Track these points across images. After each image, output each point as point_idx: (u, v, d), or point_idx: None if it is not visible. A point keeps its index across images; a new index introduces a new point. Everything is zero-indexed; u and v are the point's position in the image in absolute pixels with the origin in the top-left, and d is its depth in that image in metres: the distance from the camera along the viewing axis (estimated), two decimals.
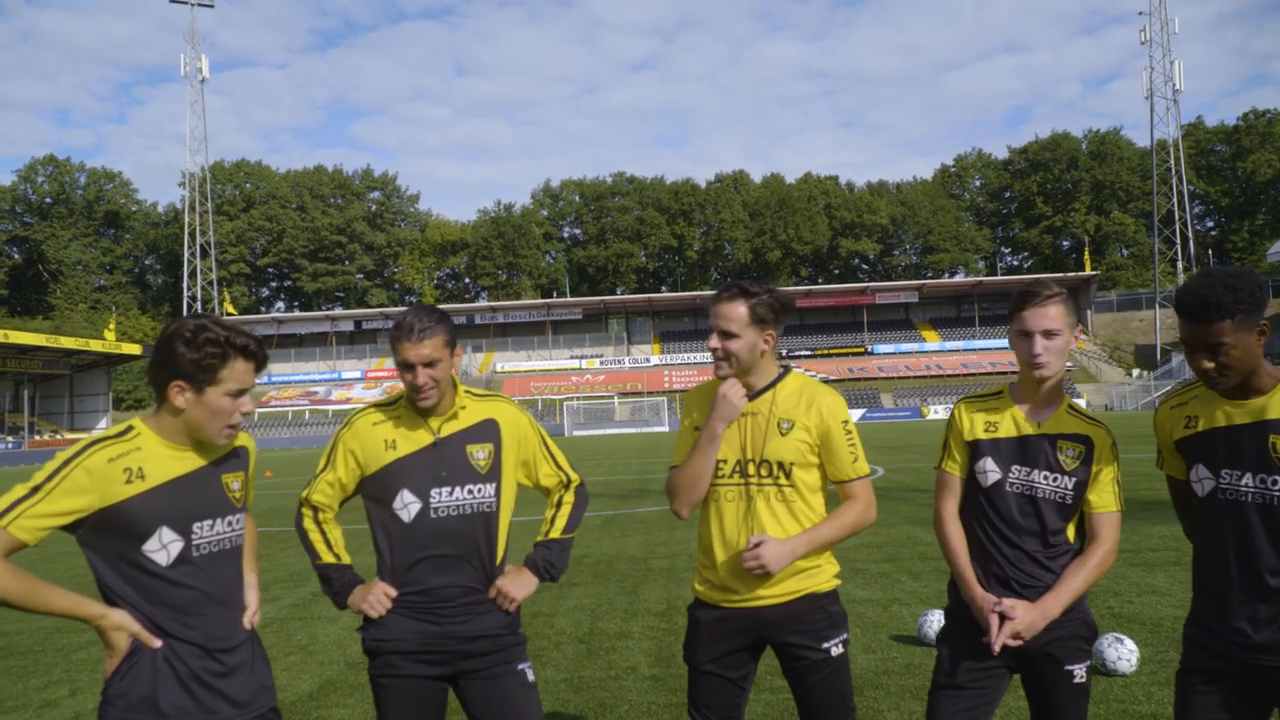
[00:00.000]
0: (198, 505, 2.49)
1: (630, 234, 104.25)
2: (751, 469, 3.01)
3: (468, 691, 2.96)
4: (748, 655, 3.09)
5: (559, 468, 3.21)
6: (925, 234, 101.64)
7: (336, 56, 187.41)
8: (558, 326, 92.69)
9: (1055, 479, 2.94)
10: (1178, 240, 77.56)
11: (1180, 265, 76.94)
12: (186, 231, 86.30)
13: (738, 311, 2.97)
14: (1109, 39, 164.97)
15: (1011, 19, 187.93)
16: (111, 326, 79.66)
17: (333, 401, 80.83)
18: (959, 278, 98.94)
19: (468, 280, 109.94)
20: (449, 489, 2.93)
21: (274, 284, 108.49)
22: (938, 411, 69.75)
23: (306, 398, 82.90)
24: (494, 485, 3.01)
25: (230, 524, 2.57)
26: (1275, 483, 2.61)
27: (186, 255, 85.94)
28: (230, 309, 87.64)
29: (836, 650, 3.03)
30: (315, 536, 3.01)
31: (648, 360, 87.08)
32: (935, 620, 6.20)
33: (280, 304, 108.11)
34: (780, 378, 3.09)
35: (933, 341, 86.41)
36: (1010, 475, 2.98)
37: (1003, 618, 2.88)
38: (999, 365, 77.82)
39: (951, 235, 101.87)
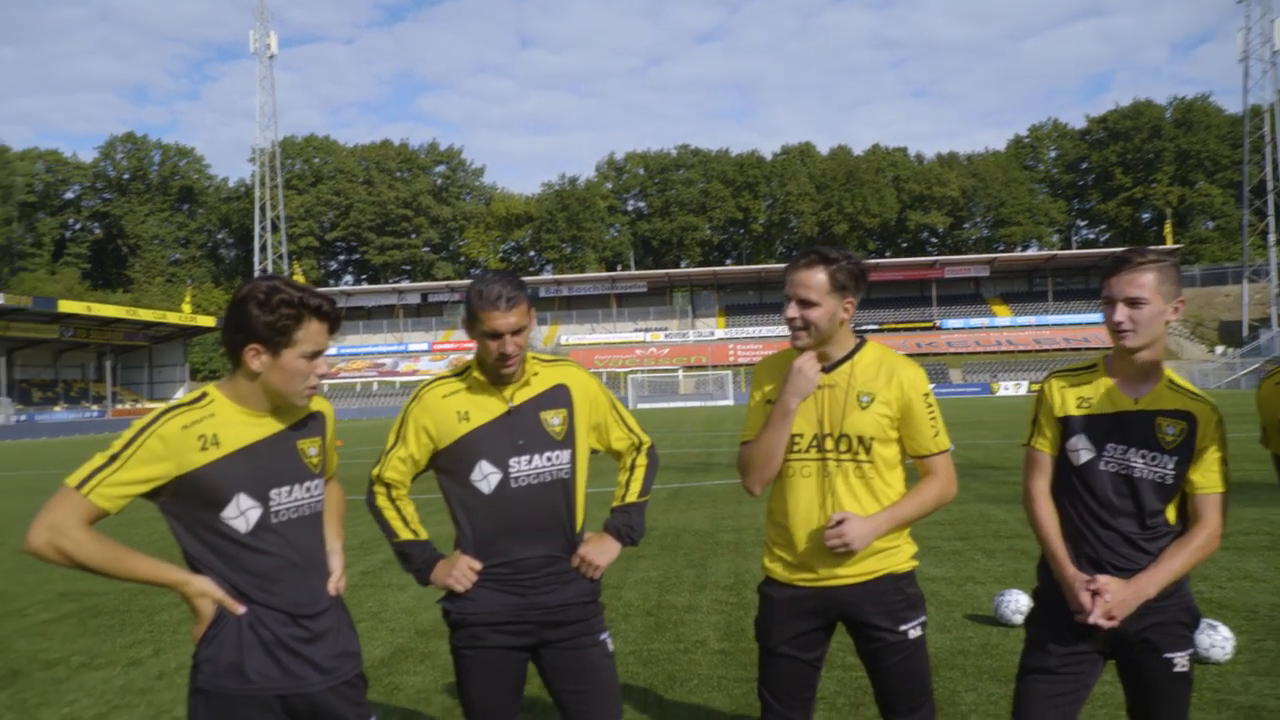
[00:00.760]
0: (274, 472, 2.47)
1: (695, 207, 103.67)
2: (829, 444, 2.92)
3: (549, 660, 2.93)
4: (823, 635, 3.01)
5: (630, 430, 3.15)
6: (997, 206, 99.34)
7: (402, 30, 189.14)
8: (622, 300, 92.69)
9: (1154, 458, 2.79)
10: (1270, 211, 74.41)
11: (1272, 238, 73.86)
12: (257, 206, 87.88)
13: (817, 278, 2.86)
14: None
15: None
16: (188, 299, 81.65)
17: (400, 373, 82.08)
18: (1032, 251, 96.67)
19: (532, 253, 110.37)
20: (527, 457, 2.88)
21: (342, 257, 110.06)
22: (1008, 388, 68.48)
23: (374, 369, 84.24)
24: (570, 451, 2.96)
25: (309, 490, 2.54)
26: None
27: (257, 229, 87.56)
28: (300, 281, 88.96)
29: (915, 633, 2.94)
30: (391, 514, 2.97)
31: (712, 334, 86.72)
32: (1012, 600, 6.05)
33: (348, 277, 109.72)
34: (858, 348, 2.99)
35: (1004, 316, 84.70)
36: (1104, 454, 2.83)
37: (1095, 596, 2.76)
38: (1073, 341, 76.00)
39: (1024, 208, 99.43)
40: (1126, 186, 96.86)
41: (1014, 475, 14.43)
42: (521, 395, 2.94)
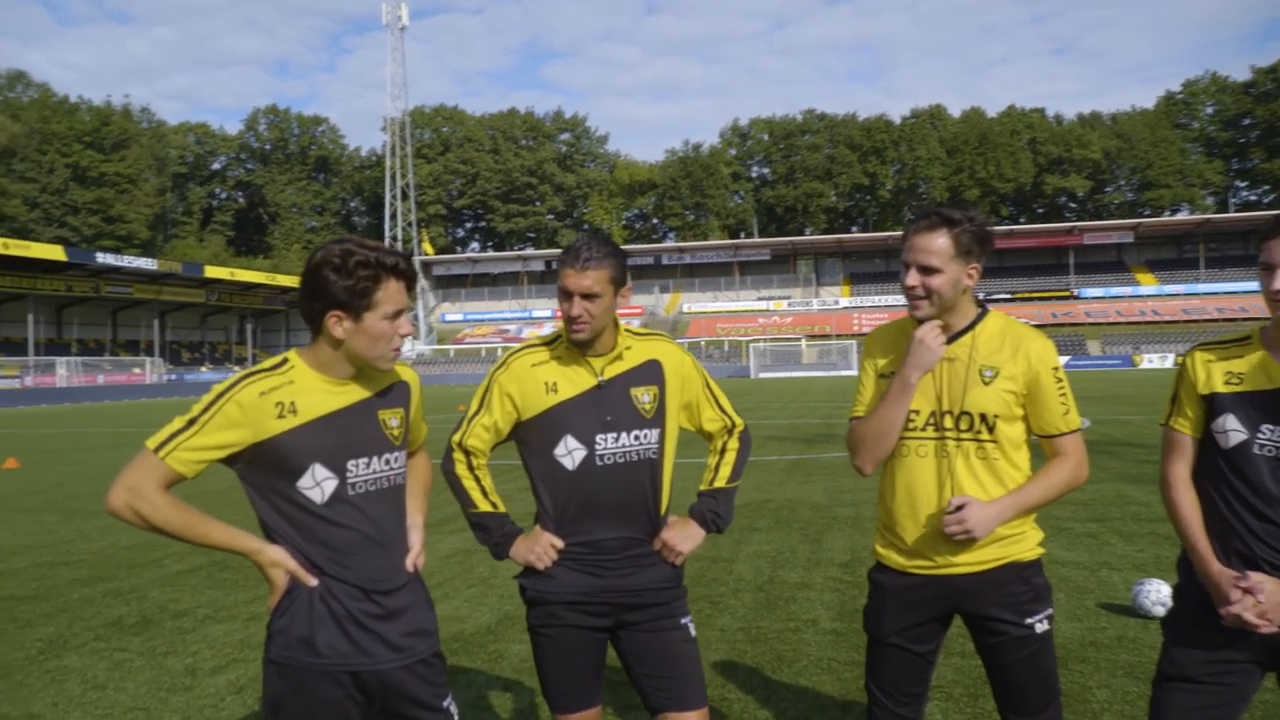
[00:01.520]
0: (352, 442, 2.36)
1: (820, 173, 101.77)
2: (948, 421, 2.66)
3: (628, 643, 2.79)
4: (938, 626, 2.77)
5: (723, 411, 2.95)
6: (1143, 168, 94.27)
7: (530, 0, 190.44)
8: (745, 267, 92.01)
9: None
10: None
11: None
12: (388, 175, 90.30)
13: (939, 242, 2.59)
14: None
15: None
16: None
17: (524, 339, 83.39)
18: (1181, 215, 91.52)
19: (655, 220, 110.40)
20: (614, 435, 2.73)
21: (469, 225, 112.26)
22: (1151, 360, 65.25)
23: (499, 335, 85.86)
24: (658, 430, 2.79)
25: (388, 462, 2.43)
26: None
27: (388, 197, 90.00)
28: (428, 249, 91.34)
29: (1041, 626, 2.67)
30: (469, 483, 2.85)
31: (836, 302, 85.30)
32: (1152, 590, 5.62)
33: (475, 244, 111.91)
34: (979, 318, 2.71)
35: (1149, 285, 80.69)
36: (1259, 436, 2.49)
37: (1247, 595, 2.43)
38: (1227, 311, 71.78)
39: (1174, 169, 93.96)
40: None
41: (1156, 454, 13.63)
42: (612, 369, 2.78)
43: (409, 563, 2.49)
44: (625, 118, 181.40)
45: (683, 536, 2.80)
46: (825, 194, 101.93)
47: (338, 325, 2.30)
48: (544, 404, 2.74)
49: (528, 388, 2.77)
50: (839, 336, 76.54)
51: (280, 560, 2.33)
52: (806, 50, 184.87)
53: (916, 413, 2.69)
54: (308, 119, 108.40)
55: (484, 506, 2.83)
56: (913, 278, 2.63)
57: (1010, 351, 2.65)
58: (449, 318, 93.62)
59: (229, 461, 2.32)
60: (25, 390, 52.60)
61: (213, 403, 2.28)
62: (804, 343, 75.95)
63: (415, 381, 2.59)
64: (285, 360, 2.39)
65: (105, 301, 67.68)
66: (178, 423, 2.27)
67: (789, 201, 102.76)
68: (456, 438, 2.86)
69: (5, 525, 10.31)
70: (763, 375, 67.60)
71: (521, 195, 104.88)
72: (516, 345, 2.92)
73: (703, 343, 79.77)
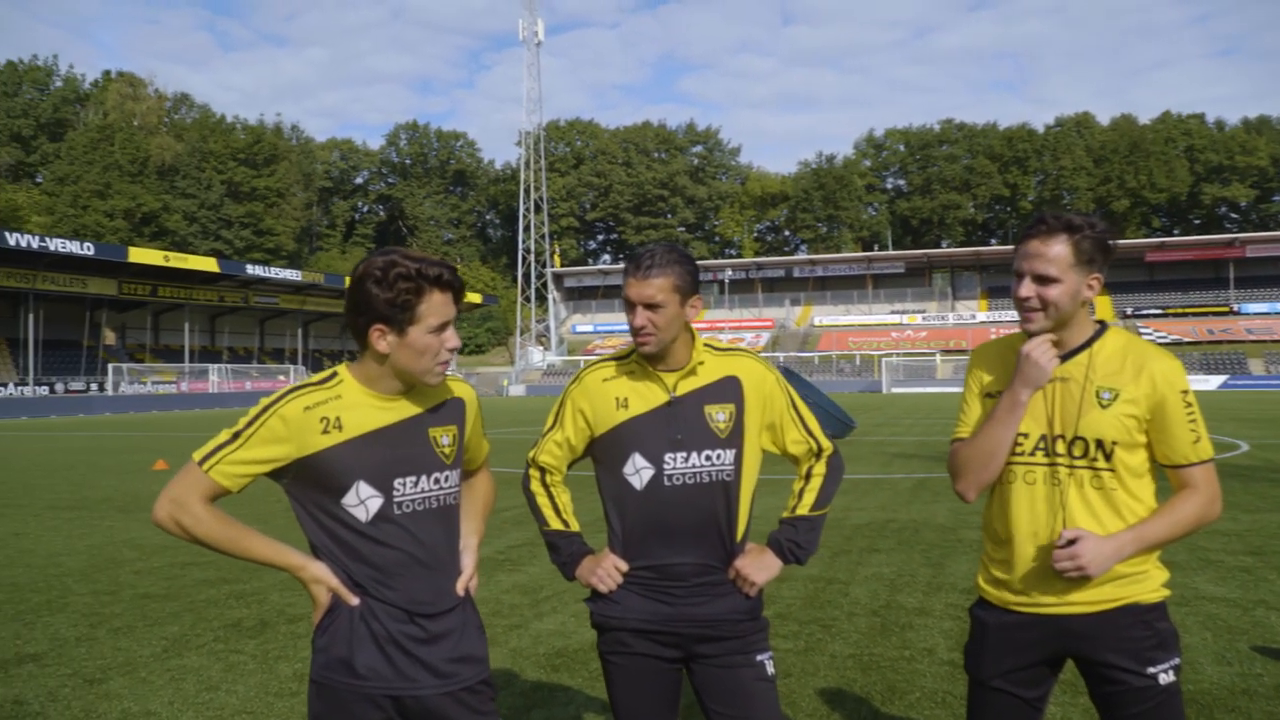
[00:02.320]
0: (399, 460, 2.28)
1: (958, 184, 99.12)
2: (1060, 447, 2.42)
3: (700, 677, 2.62)
4: (1047, 670, 2.51)
5: (809, 434, 2.73)
6: None
7: (666, 13, 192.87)
8: (878, 280, 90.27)
9: None
10: None
11: None
12: (522, 188, 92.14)
13: (1057, 249, 2.35)
14: None
15: None
16: None
17: None
18: None
19: (787, 233, 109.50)
20: (684, 454, 2.57)
21: (600, 237, 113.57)
22: None
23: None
24: (734, 451, 2.61)
25: (438, 481, 2.34)
26: None
27: (521, 210, 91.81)
28: (557, 261, 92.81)
29: (1166, 678, 2.39)
30: (543, 500, 2.75)
31: (973, 317, 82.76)
32: None
33: (606, 256, 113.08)
34: (1098, 335, 2.46)
35: None
36: None
37: None
38: None
39: None
40: None
41: None
42: (686, 385, 2.62)
43: (460, 586, 2.39)
44: (758, 130, 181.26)
45: (758, 566, 2.62)
46: (963, 205, 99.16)
47: (381, 339, 2.23)
48: (614, 420, 2.62)
49: (599, 403, 2.66)
50: None
51: (322, 577, 2.27)
52: (946, 59, 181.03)
53: (1025, 436, 2.46)
54: (446, 134, 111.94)
55: (555, 525, 2.73)
56: (1027, 288, 2.40)
57: (1132, 372, 2.40)
58: (579, 329, 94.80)
59: (275, 476, 2.28)
60: (180, 395, 55.70)
61: (257, 416, 2.24)
62: (938, 357, 73.89)
63: (471, 397, 2.51)
64: (334, 374, 2.33)
65: (254, 311, 71.04)
66: (224, 435, 2.24)
67: (925, 213, 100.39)
68: (531, 454, 2.77)
69: (147, 525, 10.80)
70: (895, 390, 66.07)
71: (653, 208, 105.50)
72: (591, 360, 2.81)
73: (834, 356, 78.54)
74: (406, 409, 2.32)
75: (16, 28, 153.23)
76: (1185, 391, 2.38)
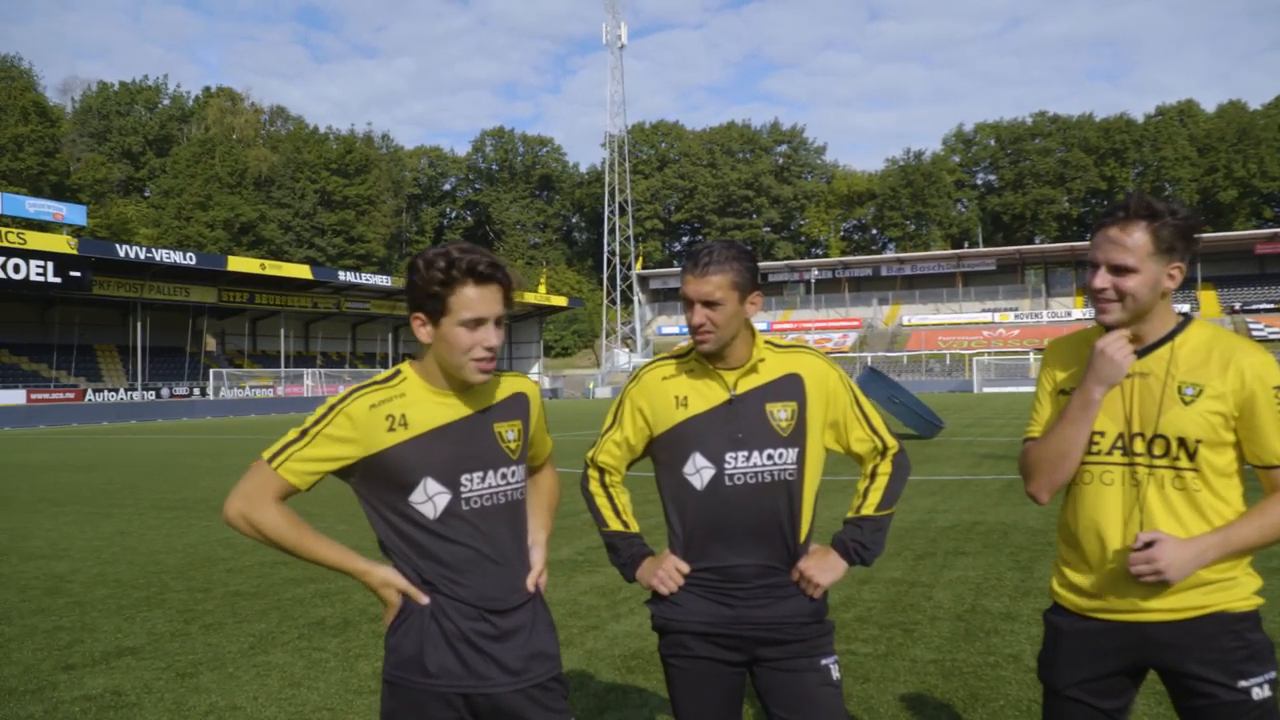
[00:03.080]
0: (465, 456, 2.28)
1: (1052, 178, 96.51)
2: (1139, 445, 2.30)
3: (764, 681, 2.56)
4: (1127, 681, 2.39)
5: (874, 432, 2.65)
6: None
7: (751, 12, 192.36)
8: (969, 278, 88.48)
9: None
10: None
11: None
12: (606, 191, 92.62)
13: (1135, 237, 2.23)
14: None
15: None
16: (543, 280, 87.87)
17: None
18: None
19: (874, 231, 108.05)
20: (745, 453, 2.51)
21: (685, 239, 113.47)
22: None
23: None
24: (797, 450, 2.55)
25: (505, 477, 2.33)
26: None
27: (606, 213, 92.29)
28: (639, 265, 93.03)
29: (1261, 692, 2.24)
30: (602, 501, 2.72)
31: (1069, 314, 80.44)
32: None
33: None
34: (1180, 328, 2.33)
35: None
36: None
37: None
38: None
39: None
40: None
41: None
42: (746, 383, 2.56)
43: (529, 582, 2.38)
44: (844, 127, 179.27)
45: (821, 568, 2.55)
46: (1057, 200, 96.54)
47: (420, 328, 2.25)
48: (674, 419, 2.58)
49: (658, 402, 2.62)
50: None
51: (390, 579, 2.27)
52: (1040, 49, 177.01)
53: (1101, 434, 2.34)
54: (531, 139, 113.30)
55: (614, 526, 2.70)
56: (1102, 279, 2.28)
57: (1219, 366, 2.26)
58: (665, 330, 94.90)
59: (343, 475, 2.30)
60: (277, 399, 57.31)
61: (324, 415, 2.26)
62: (1032, 356, 71.99)
63: (535, 393, 2.49)
64: (398, 372, 2.34)
65: (346, 316, 72.80)
66: (292, 434, 2.26)
67: (1017, 209, 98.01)
68: (590, 454, 2.75)
69: None
70: (986, 390, 64.56)
71: (738, 208, 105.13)
72: (650, 359, 2.77)
73: (923, 356, 77.15)
74: (470, 404, 2.32)
75: (128, 50, 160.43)
76: (1277, 387, 2.24)
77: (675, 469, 2.58)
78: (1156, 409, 2.29)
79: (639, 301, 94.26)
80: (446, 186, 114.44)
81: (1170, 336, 2.33)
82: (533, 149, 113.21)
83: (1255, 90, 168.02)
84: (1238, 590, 2.29)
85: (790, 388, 2.57)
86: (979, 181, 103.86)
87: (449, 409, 2.29)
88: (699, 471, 2.54)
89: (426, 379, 2.31)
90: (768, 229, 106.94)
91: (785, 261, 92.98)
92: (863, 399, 2.68)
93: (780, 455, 2.53)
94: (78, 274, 49.34)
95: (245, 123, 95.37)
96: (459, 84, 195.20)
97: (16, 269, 46.98)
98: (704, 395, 2.57)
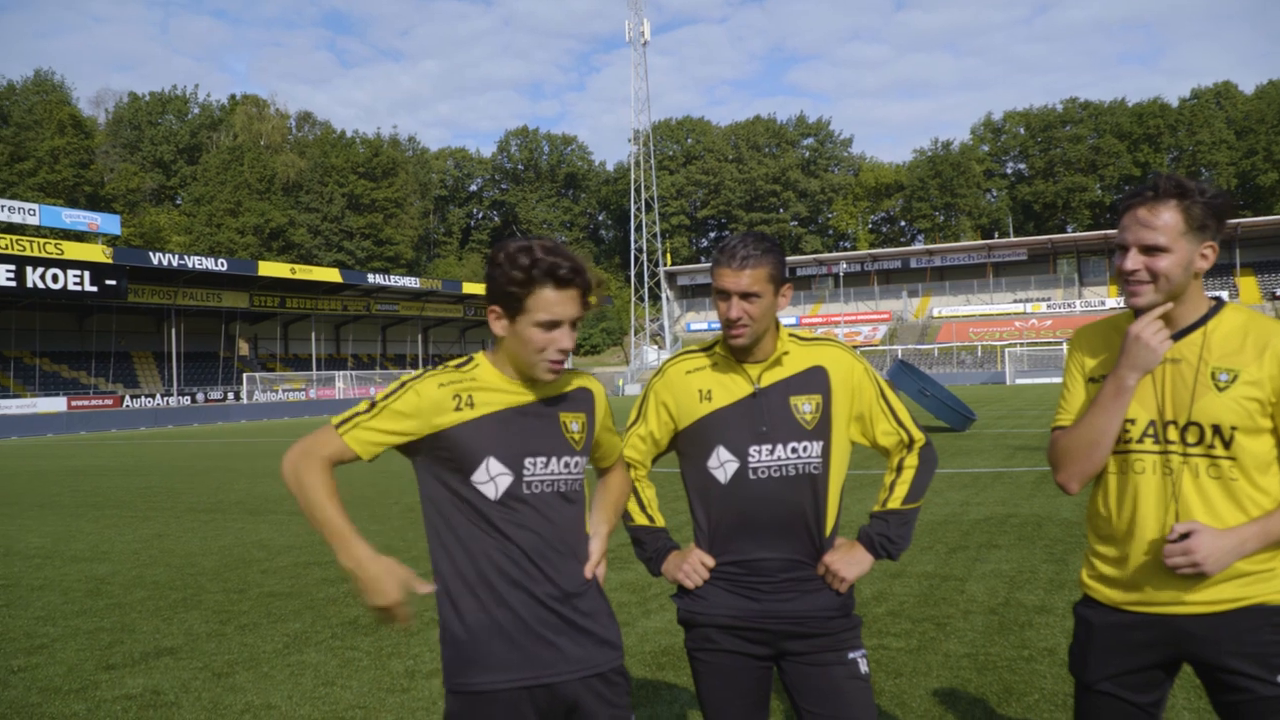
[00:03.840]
0: (530, 440, 2.30)
1: (1083, 165, 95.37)
2: (1173, 433, 2.25)
3: (791, 675, 2.55)
4: (1161, 675, 2.35)
5: (900, 425, 2.63)
6: None
7: (774, 4, 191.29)
8: (999, 269, 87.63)
9: None
10: None
11: None
12: (632, 188, 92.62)
13: (1166, 216, 2.18)
14: None
15: None
16: None
17: None
18: None
19: (903, 223, 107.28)
20: (769, 446, 2.51)
21: (712, 234, 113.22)
22: None
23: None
24: (821, 443, 2.54)
25: (567, 465, 2.35)
26: None
27: (632, 210, 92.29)
28: (668, 260, 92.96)
29: None
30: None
31: (1102, 303, 79.42)
32: None
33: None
34: (1213, 312, 2.29)
35: None
36: None
37: None
38: None
39: None
40: None
41: None
42: (770, 376, 2.56)
43: (587, 571, 2.38)
44: (871, 119, 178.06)
45: (847, 561, 2.54)
46: (1089, 187, 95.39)
47: (497, 322, 2.28)
48: (698, 412, 2.58)
49: (682, 396, 2.61)
50: None
51: (394, 570, 2.17)
52: (1071, 34, 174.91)
53: (1133, 422, 2.30)
54: (556, 138, 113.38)
55: (640, 520, 2.71)
56: (1133, 260, 2.23)
57: (1254, 351, 2.21)
58: (694, 326, 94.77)
59: (409, 452, 2.31)
60: (309, 402, 57.79)
61: (395, 390, 2.29)
62: (1065, 346, 71.19)
63: (599, 390, 2.51)
64: (472, 359, 2.38)
65: (376, 319, 73.32)
66: (363, 405, 2.29)
67: (1048, 198, 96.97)
68: None
69: (275, 526, 11.26)
70: (1019, 381, 63.96)
71: (765, 203, 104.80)
72: (674, 353, 2.77)
73: (954, 348, 76.56)
74: (538, 393, 2.35)
75: (158, 61, 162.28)
76: None
77: (699, 462, 2.58)
78: (1189, 396, 2.24)
79: (667, 298, 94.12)
80: (473, 187, 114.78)
81: (1203, 321, 2.28)
82: (557, 148, 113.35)
83: None
84: (1276, 582, 2.24)
85: (815, 381, 2.57)
86: (1009, 171, 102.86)
87: (516, 395, 2.32)
88: (723, 465, 2.54)
89: (498, 366, 2.35)
90: (795, 223, 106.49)
91: (813, 255, 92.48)
92: (889, 392, 2.67)
93: (805, 449, 2.52)
94: (113, 282, 50.03)
95: (272, 129, 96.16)
96: (484, 84, 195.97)
97: (55, 279, 47.71)
98: (728, 389, 2.57)
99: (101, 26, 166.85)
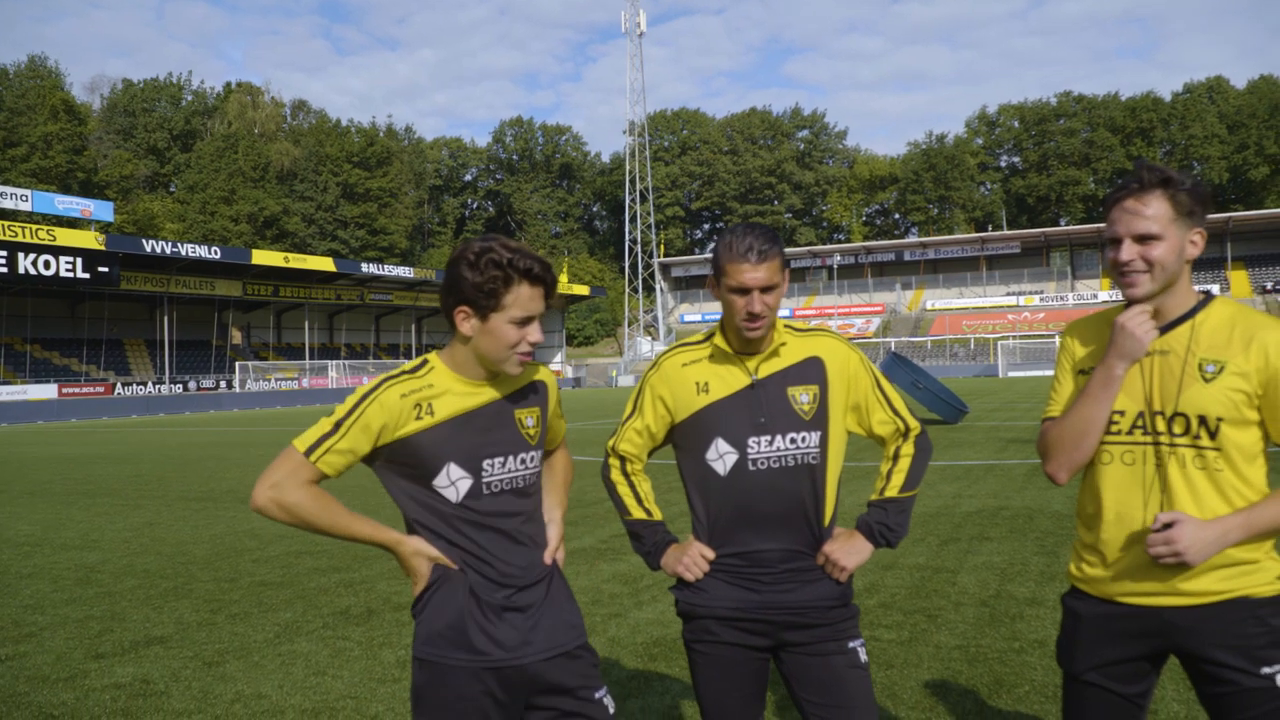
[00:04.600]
0: (488, 442, 2.35)
1: (1077, 159, 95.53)
2: (1160, 424, 2.26)
3: (790, 666, 2.56)
4: (1147, 666, 2.36)
5: (895, 414, 2.63)
6: None
7: None
8: (993, 261, 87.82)
9: None
10: None
11: None
12: (627, 179, 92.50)
13: (1155, 205, 2.20)
14: None
15: None
16: (564, 269, 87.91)
17: None
18: None
19: (896, 216, 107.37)
20: (768, 438, 2.51)
21: (706, 226, 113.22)
22: None
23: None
24: (819, 434, 2.54)
25: (524, 462, 2.41)
26: None
27: (627, 201, 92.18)
28: (662, 251, 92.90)
29: None
30: (624, 489, 2.73)
31: (1095, 296, 79.67)
32: None
33: (712, 245, 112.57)
34: (1201, 305, 2.30)
35: None
36: None
37: None
38: None
39: None
40: None
41: None
42: (767, 368, 2.56)
43: (547, 556, 2.45)
44: (866, 111, 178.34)
45: (847, 550, 2.54)
46: (1083, 181, 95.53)
47: (465, 322, 2.29)
48: (695, 405, 2.58)
49: (678, 389, 2.61)
50: None
51: (421, 549, 2.34)
52: (1066, 27, 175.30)
53: (1121, 413, 2.31)
54: (551, 128, 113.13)
55: (637, 514, 2.71)
56: (1128, 250, 2.23)
57: (1241, 343, 2.22)
58: (688, 318, 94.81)
59: (368, 460, 2.35)
60: (302, 391, 57.74)
61: (356, 406, 2.30)
62: (1059, 339, 71.38)
63: (552, 381, 2.57)
64: (425, 362, 2.40)
65: (369, 308, 73.24)
66: (325, 425, 2.30)
67: (1041, 191, 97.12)
68: (611, 443, 2.76)
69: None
70: (1012, 374, 64.15)
71: (759, 195, 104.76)
72: (668, 346, 2.77)
73: (947, 340, 76.71)
74: (493, 392, 2.39)
75: (153, 47, 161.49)
76: None
77: (698, 455, 2.58)
78: (1177, 386, 2.25)
79: (661, 289, 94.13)
80: (468, 177, 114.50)
81: (1191, 314, 2.29)
82: (552, 138, 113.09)
83: None
84: (1261, 575, 2.25)
85: (812, 371, 2.57)
86: (1003, 163, 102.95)
87: (472, 397, 2.36)
88: (722, 457, 2.54)
89: (454, 368, 2.37)
90: (789, 215, 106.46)
91: (807, 248, 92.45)
92: (884, 381, 2.67)
93: (803, 439, 2.53)
94: (106, 269, 49.89)
95: (266, 117, 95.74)
96: (480, 74, 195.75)
97: (47, 265, 47.57)
98: (725, 381, 2.57)
99: (97, 11, 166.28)
